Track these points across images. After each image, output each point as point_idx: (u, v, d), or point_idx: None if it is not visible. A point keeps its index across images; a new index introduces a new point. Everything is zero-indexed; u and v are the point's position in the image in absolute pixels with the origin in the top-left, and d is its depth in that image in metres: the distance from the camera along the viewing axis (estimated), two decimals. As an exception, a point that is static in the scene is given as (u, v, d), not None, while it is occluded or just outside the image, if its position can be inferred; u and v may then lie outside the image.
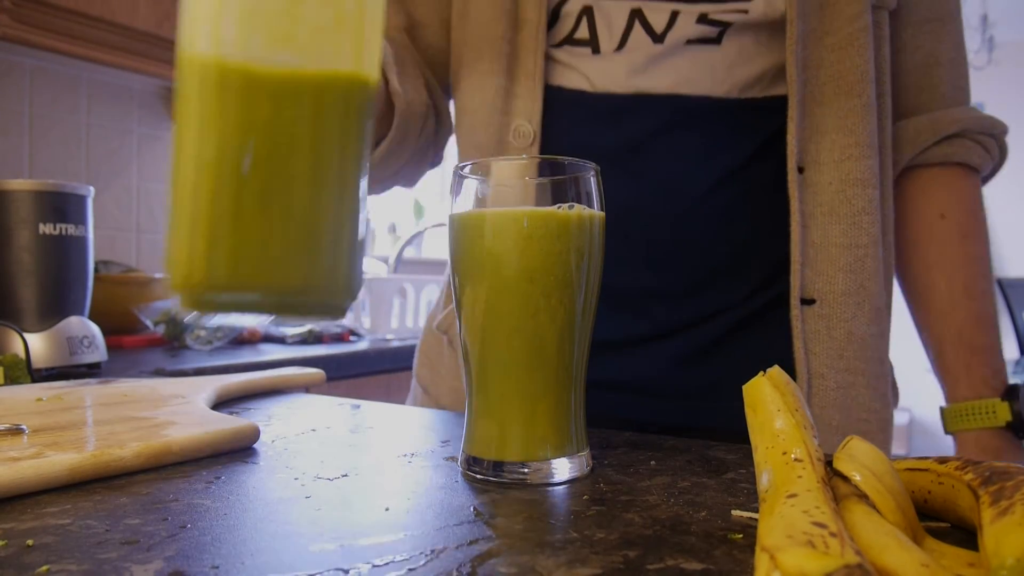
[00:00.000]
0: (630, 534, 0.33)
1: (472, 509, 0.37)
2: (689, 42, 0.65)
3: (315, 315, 0.36)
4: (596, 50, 0.67)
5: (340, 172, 0.35)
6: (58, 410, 0.55)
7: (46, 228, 0.98)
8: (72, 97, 1.66)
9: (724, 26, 0.65)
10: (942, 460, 0.36)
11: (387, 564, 0.30)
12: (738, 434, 0.42)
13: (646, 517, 0.36)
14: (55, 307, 1.00)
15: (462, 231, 0.45)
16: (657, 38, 0.65)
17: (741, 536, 0.33)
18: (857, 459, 0.33)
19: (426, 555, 0.31)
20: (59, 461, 0.40)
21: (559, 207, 0.43)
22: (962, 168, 0.75)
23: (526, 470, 0.43)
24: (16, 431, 0.47)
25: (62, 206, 0.99)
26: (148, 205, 1.80)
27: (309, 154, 0.34)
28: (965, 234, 0.74)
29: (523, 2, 0.69)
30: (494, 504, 0.38)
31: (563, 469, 0.44)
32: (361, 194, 0.36)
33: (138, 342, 1.40)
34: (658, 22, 0.65)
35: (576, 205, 0.44)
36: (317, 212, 0.34)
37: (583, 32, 0.68)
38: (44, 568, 0.29)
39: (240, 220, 0.33)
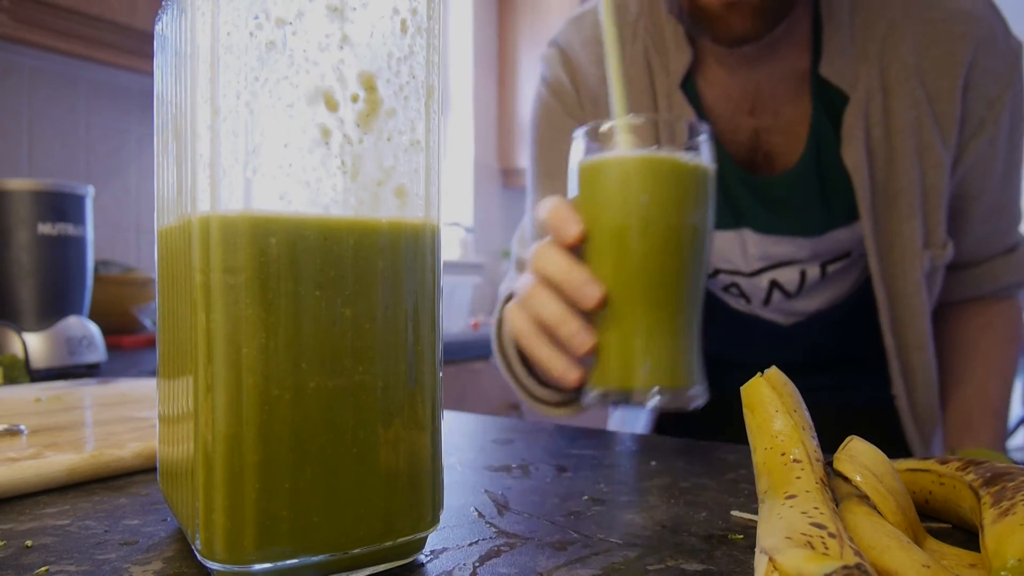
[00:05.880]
0: (630, 534, 0.33)
1: (472, 509, 0.37)
2: (814, 287, 0.82)
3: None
4: (748, 302, 0.85)
5: None
6: (57, 410, 0.55)
7: (45, 228, 0.97)
8: (71, 96, 1.65)
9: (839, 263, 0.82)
10: (943, 461, 0.36)
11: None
12: None
13: (646, 517, 0.36)
14: (54, 307, 1.00)
15: (600, 174, 0.48)
16: (792, 296, 0.83)
17: (742, 537, 0.33)
18: (857, 460, 0.33)
19: (426, 555, 0.31)
20: (58, 462, 0.40)
21: (687, 158, 0.47)
22: (1009, 298, 0.85)
23: (658, 396, 0.47)
24: (15, 432, 0.47)
25: (61, 206, 0.99)
26: (148, 205, 1.80)
27: None
28: (1009, 339, 0.84)
29: None
30: (495, 504, 0.38)
31: (690, 396, 0.48)
32: None
33: (137, 342, 1.40)
34: (791, 282, 0.81)
35: (699, 157, 0.48)
36: None
37: (734, 292, 0.85)
38: (43, 569, 0.29)
39: None
